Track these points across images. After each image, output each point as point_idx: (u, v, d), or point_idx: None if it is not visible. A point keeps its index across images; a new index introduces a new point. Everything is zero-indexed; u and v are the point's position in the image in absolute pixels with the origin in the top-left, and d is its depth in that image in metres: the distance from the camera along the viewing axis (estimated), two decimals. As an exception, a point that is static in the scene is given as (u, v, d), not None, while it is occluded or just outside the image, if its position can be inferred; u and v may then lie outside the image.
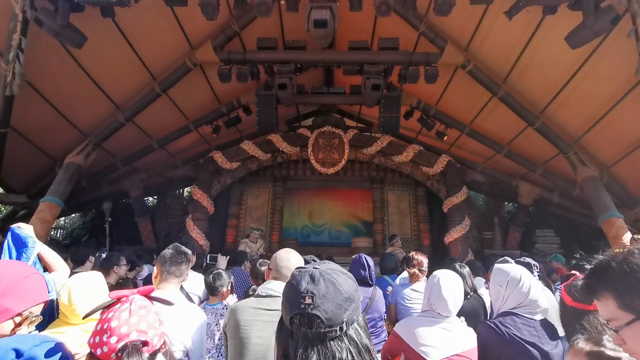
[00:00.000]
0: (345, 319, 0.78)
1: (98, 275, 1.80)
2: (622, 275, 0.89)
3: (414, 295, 2.96)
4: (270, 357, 1.62)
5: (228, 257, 4.28)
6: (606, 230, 5.85)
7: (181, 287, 2.26)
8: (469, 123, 7.49)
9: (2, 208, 11.30)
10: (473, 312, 2.61)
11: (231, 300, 2.96)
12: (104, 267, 3.65)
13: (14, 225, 2.06)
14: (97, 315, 1.11)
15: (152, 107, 6.69)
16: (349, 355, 0.77)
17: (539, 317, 1.82)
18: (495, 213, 9.95)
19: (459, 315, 1.95)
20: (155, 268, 1.98)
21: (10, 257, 1.94)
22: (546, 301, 1.89)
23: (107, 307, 1.09)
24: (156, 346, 1.10)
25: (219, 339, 2.63)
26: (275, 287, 1.77)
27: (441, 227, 9.11)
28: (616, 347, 1.09)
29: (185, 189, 11.63)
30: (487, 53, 5.97)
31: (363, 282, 2.81)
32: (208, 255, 4.86)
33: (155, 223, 10.17)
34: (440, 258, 7.19)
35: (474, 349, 1.79)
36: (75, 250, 4.16)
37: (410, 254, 3.26)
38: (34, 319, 1.25)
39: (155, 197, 12.37)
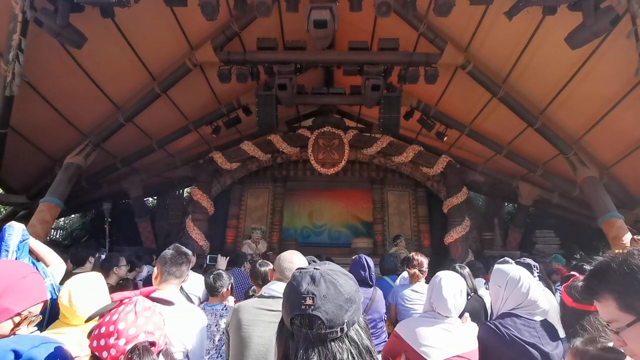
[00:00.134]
0: (346, 320, 0.78)
1: (98, 276, 1.79)
2: (622, 276, 0.88)
3: (414, 295, 2.95)
4: (271, 357, 1.62)
5: (228, 257, 4.28)
6: (606, 230, 5.85)
7: (181, 287, 2.26)
8: (469, 124, 7.49)
9: (2, 209, 11.29)
10: (473, 313, 2.61)
11: (230, 301, 2.96)
12: (104, 268, 3.64)
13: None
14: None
15: (152, 107, 6.69)
16: (349, 356, 0.76)
17: (538, 318, 1.81)
18: (495, 214, 9.94)
19: (463, 312, 1.95)
20: (155, 268, 1.98)
21: None
22: (546, 302, 1.88)
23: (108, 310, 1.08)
24: (162, 346, 1.11)
25: (218, 340, 2.63)
26: (279, 288, 1.77)
27: (441, 228, 9.10)
28: (615, 348, 1.09)
29: (185, 190, 11.63)
30: (487, 53, 5.97)
31: (363, 282, 2.81)
32: (208, 256, 4.85)
33: (155, 224, 10.18)
34: (440, 259, 7.21)
35: (475, 350, 1.78)
36: (75, 251, 4.15)
37: (411, 254, 3.26)
38: (33, 318, 1.25)
39: (155, 197, 12.38)
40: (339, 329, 0.77)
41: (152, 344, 1.06)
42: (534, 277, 2.33)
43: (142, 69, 6.26)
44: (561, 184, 7.56)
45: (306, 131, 8.88)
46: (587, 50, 4.91)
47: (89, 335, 1.06)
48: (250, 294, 3.15)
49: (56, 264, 2.12)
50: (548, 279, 4.03)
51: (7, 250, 1.92)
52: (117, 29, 5.42)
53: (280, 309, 0.86)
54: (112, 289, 2.98)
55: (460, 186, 8.63)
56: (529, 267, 2.63)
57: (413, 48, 6.43)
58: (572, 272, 2.34)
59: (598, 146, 6.46)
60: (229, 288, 2.88)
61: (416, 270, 3.06)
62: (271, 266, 2.76)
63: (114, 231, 8.75)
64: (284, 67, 6.24)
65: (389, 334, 2.52)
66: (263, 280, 2.76)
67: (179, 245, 2.07)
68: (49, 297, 1.74)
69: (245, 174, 9.46)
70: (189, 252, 2.08)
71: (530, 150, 7.35)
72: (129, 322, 1.03)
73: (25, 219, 6.89)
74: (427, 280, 3.03)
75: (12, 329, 1.19)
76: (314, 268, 0.85)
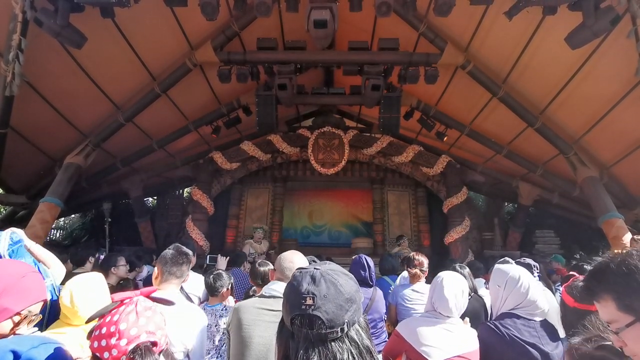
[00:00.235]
0: (346, 320, 0.78)
1: (99, 276, 1.80)
2: (621, 277, 0.89)
3: (415, 295, 2.96)
4: (271, 357, 1.62)
5: (228, 257, 4.28)
6: (606, 230, 5.85)
7: (181, 287, 2.26)
8: (469, 123, 7.49)
9: (2, 209, 11.29)
10: (474, 314, 2.61)
11: (230, 301, 2.96)
12: (103, 268, 3.63)
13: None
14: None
15: (152, 107, 6.69)
16: (350, 356, 0.76)
17: (538, 318, 1.81)
18: (495, 214, 9.95)
19: (462, 316, 1.95)
20: (155, 268, 1.97)
21: None
22: (546, 302, 1.88)
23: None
24: (163, 346, 1.11)
25: (219, 341, 2.63)
26: (279, 288, 1.77)
27: (441, 228, 9.10)
28: (612, 346, 1.09)
29: (185, 190, 11.63)
30: (487, 53, 5.97)
31: (363, 282, 2.81)
32: (208, 256, 4.85)
33: (155, 224, 10.17)
34: (440, 259, 7.21)
35: (475, 351, 1.78)
36: (75, 251, 4.15)
37: (411, 254, 3.25)
38: (33, 317, 1.24)
39: (155, 197, 12.38)
40: (339, 329, 0.77)
41: (154, 344, 1.07)
42: (534, 277, 2.33)
43: (142, 69, 6.26)
44: (561, 184, 7.56)
45: (306, 131, 8.88)
46: (587, 50, 4.91)
47: (89, 335, 1.06)
48: (251, 293, 3.15)
49: (55, 267, 2.12)
50: (548, 279, 4.03)
51: (0, 256, 1.92)
52: (117, 29, 5.42)
53: (281, 308, 0.86)
54: (113, 289, 2.98)
55: (460, 186, 8.63)
56: (529, 267, 2.63)
57: (413, 48, 6.43)
58: (571, 272, 2.34)
59: (598, 146, 6.46)
60: (229, 288, 2.88)
61: (417, 270, 3.06)
62: (271, 266, 2.77)
63: (114, 231, 8.75)
64: (284, 67, 6.23)
65: (389, 334, 2.52)
66: (263, 280, 2.76)
67: (179, 245, 2.07)
68: (49, 297, 1.74)
69: (245, 174, 9.46)
70: (190, 252, 2.08)
71: (530, 150, 7.34)
72: (130, 323, 1.03)
73: (25, 219, 6.91)
74: (427, 281, 3.04)
75: (12, 329, 1.19)
76: (315, 268, 0.85)
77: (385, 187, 10.24)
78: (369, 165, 9.62)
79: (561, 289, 2.38)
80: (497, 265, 2.02)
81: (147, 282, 4.15)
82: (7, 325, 1.17)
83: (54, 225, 9.45)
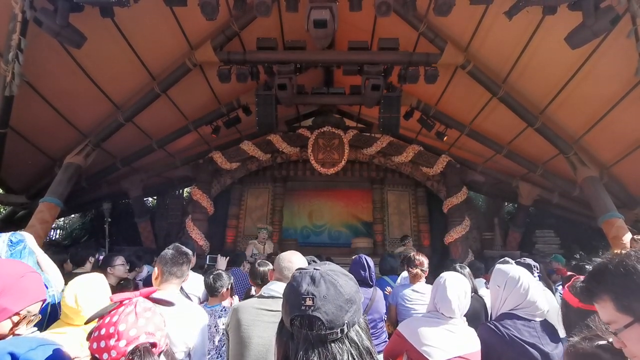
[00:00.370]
0: (346, 321, 0.78)
1: (101, 277, 1.79)
2: (619, 277, 0.89)
3: (415, 295, 2.95)
4: (271, 358, 1.61)
5: (228, 257, 4.28)
6: (606, 230, 5.85)
7: (181, 288, 2.26)
8: (469, 123, 7.49)
9: (2, 209, 11.29)
10: (474, 314, 2.61)
11: (235, 300, 2.96)
12: (101, 268, 3.63)
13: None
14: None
15: (152, 107, 6.68)
16: (350, 357, 0.76)
17: (538, 318, 1.81)
18: (495, 213, 9.94)
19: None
20: (156, 268, 1.97)
21: None
22: (545, 302, 1.88)
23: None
24: (162, 347, 1.10)
25: (219, 341, 2.63)
26: (278, 288, 1.77)
27: (441, 228, 9.10)
28: (611, 345, 1.09)
29: (185, 190, 11.62)
30: (487, 53, 5.97)
31: (363, 282, 2.80)
32: (208, 256, 4.85)
33: (154, 223, 10.17)
34: (440, 259, 7.21)
35: (477, 352, 1.78)
36: (75, 251, 4.15)
37: (412, 254, 3.25)
38: (32, 317, 1.24)
39: (155, 197, 12.37)
40: (339, 330, 0.77)
41: (153, 345, 1.06)
42: (534, 277, 2.33)
43: (142, 68, 6.26)
44: (561, 184, 7.56)
45: (306, 131, 8.88)
46: (587, 50, 4.91)
47: (89, 337, 1.05)
48: (251, 294, 3.14)
49: (56, 279, 2.07)
50: (548, 279, 4.03)
51: None
52: (117, 29, 5.42)
53: (280, 309, 0.86)
54: (113, 290, 2.97)
55: (460, 186, 8.63)
56: (529, 267, 2.62)
57: (413, 48, 6.42)
58: (570, 273, 2.34)
59: (598, 146, 6.46)
60: (229, 288, 2.88)
61: (418, 270, 3.06)
62: (270, 266, 2.77)
63: (113, 231, 8.75)
64: (284, 67, 6.23)
65: (389, 335, 2.52)
66: (262, 280, 2.76)
67: (179, 245, 2.06)
68: (49, 300, 1.74)
69: (245, 173, 9.45)
70: (190, 252, 2.07)
71: (530, 150, 7.34)
72: (129, 324, 1.03)
73: (25, 219, 6.91)
74: (427, 281, 3.04)
75: (11, 329, 1.19)
76: (314, 268, 0.84)
77: (385, 187, 10.24)
78: (369, 165, 9.62)
79: (561, 289, 2.38)
80: (497, 266, 2.02)
81: (147, 282, 4.15)
82: (6, 326, 1.17)
83: (53, 225, 9.44)
